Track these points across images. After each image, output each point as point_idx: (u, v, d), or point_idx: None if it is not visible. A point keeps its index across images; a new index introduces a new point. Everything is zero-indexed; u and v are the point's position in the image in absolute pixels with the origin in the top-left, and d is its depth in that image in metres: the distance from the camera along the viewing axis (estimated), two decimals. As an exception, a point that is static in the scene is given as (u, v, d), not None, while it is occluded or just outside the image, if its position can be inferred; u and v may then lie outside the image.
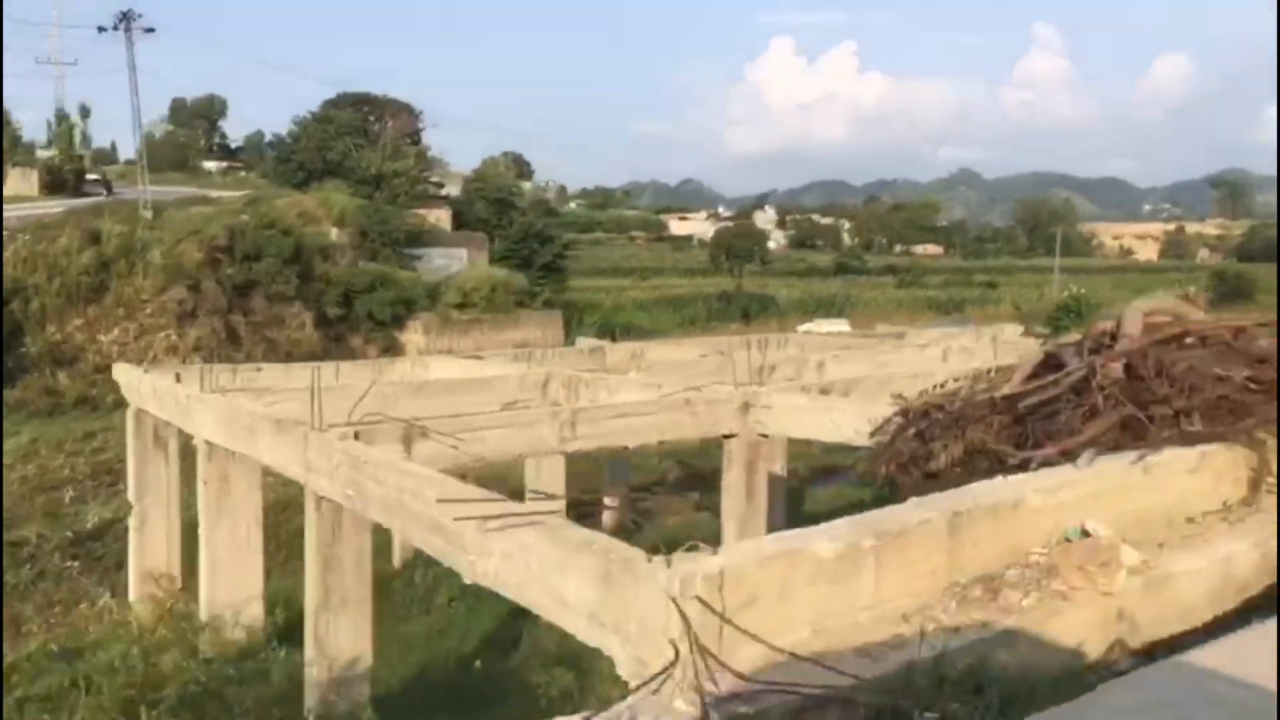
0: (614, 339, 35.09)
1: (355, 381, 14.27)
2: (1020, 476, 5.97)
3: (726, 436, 11.63)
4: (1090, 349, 7.49)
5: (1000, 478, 5.91)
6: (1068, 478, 5.89)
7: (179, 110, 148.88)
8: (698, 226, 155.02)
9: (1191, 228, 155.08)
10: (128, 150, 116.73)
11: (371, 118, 72.11)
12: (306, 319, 44.74)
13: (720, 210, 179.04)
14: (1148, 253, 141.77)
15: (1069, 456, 6.64)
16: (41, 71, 64.13)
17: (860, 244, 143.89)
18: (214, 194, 54.33)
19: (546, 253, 59.04)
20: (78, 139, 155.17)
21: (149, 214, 44.89)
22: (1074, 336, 8.04)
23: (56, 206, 47.12)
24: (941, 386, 8.98)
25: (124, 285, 39.01)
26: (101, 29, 43.48)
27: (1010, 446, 7.09)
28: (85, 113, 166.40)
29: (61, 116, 63.81)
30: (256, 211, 47.76)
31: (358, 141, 62.75)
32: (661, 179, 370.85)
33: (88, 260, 38.29)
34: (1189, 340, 7.29)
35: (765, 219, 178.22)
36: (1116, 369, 6.88)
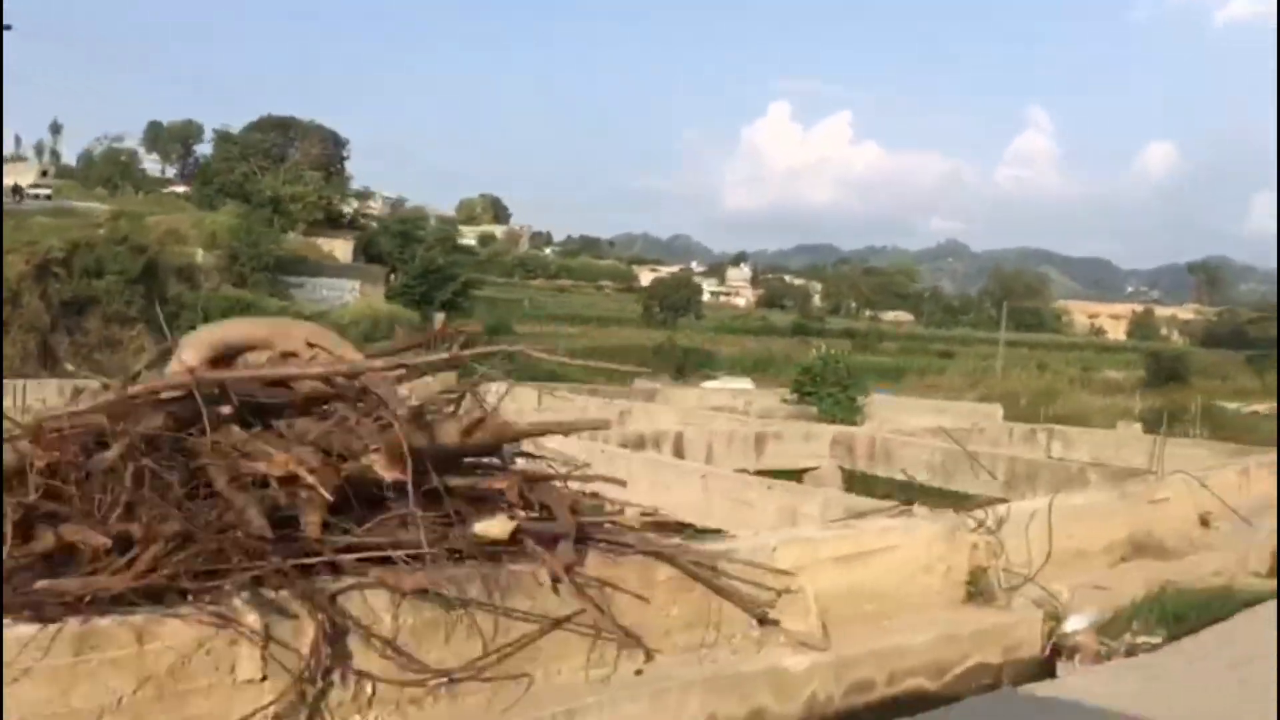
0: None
1: None
2: None
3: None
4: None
5: None
6: None
7: (154, 132, 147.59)
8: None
9: (1167, 311, 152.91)
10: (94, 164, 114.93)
11: (296, 142, 69.60)
12: (148, 343, 41.43)
13: (694, 265, 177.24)
14: (1119, 332, 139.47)
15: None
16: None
17: (827, 306, 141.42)
18: (84, 207, 51.38)
19: (447, 290, 55.94)
20: (46, 154, 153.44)
21: (-12, 221, 41.78)
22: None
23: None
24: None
25: (-77, 294, 35.74)
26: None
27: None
28: (56, 129, 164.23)
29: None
30: (115, 227, 44.77)
31: (263, 164, 60.00)
32: (654, 233, 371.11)
33: (-119, 265, 35.06)
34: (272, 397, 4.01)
35: (740, 276, 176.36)
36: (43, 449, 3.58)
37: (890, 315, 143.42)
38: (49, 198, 65.99)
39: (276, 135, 68.29)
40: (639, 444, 11.72)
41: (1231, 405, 37.67)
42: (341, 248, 57.83)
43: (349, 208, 71.20)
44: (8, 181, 79.00)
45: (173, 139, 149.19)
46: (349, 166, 69.51)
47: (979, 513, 6.70)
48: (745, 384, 53.78)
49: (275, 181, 56.19)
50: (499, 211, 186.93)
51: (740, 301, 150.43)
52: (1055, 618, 6.49)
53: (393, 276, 57.81)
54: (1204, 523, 9.59)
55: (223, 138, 62.20)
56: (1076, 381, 72.56)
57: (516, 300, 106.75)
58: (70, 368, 32.77)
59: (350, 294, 53.92)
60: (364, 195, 74.04)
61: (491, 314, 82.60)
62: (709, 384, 53.14)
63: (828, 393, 21.39)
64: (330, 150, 67.94)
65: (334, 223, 64.45)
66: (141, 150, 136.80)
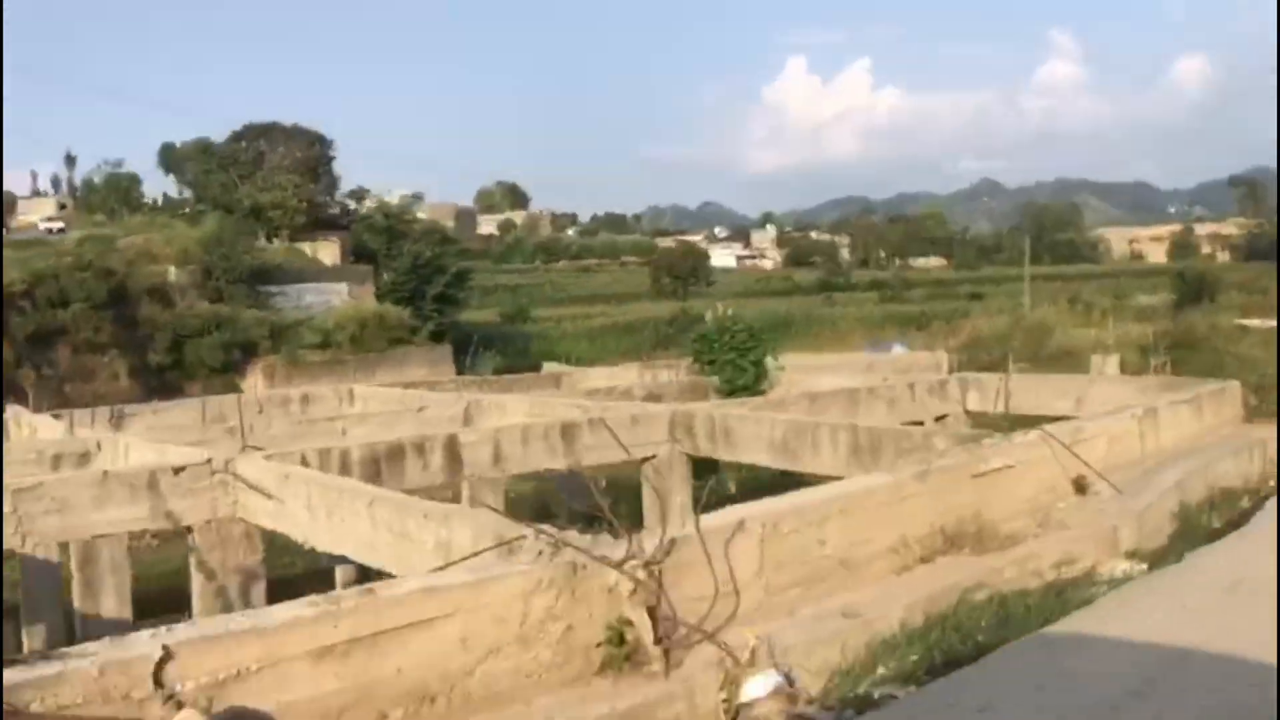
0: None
1: None
2: None
3: None
4: None
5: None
6: None
7: (168, 154, 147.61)
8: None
9: (1210, 228, 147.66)
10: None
11: (281, 149, 68.38)
12: (121, 369, 40.49)
13: (717, 231, 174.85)
14: (1160, 255, 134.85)
15: None
16: None
17: (856, 260, 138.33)
18: (55, 237, 50.58)
19: (438, 284, 54.32)
20: (64, 185, 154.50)
21: (-51, 261, 40.96)
22: None
23: None
24: None
25: (-125, 342, 34.99)
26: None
27: None
28: (71, 161, 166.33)
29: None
30: (80, 253, 43.84)
31: (243, 173, 58.80)
32: (683, 203, 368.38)
33: None
34: None
35: (766, 238, 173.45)
36: None
37: (921, 262, 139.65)
38: (62, 230, 65.59)
39: (262, 143, 67.10)
40: (395, 455, 9.94)
41: (1255, 322, 34.99)
42: (329, 250, 56.49)
43: (350, 207, 69.97)
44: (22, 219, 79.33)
45: (186, 160, 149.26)
46: (337, 166, 67.93)
47: (633, 540, 4.78)
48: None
49: (253, 189, 54.92)
50: (518, 197, 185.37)
51: (768, 264, 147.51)
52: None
53: (383, 276, 56.35)
54: (1079, 489, 7.61)
55: (201, 149, 61.09)
56: (1109, 312, 69.35)
57: (538, 285, 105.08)
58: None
59: (336, 297, 52.59)
60: (358, 195, 72.58)
61: (511, 301, 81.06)
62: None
63: (726, 360, 19.30)
64: (317, 152, 66.51)
65: (326, 226, 63.25)
66: (160, 173, 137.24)
